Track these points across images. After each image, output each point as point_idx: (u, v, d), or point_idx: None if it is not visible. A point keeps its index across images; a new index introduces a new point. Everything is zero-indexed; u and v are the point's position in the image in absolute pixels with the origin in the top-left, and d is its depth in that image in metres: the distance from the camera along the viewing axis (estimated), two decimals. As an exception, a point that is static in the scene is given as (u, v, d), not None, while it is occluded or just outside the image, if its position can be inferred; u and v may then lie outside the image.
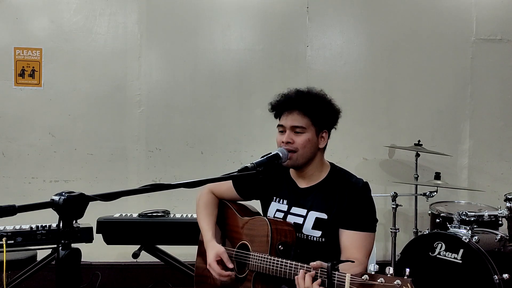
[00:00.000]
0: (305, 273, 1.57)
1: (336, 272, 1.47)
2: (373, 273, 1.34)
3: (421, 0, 3.96)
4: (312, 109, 1.88)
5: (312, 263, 1.57)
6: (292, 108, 1.90)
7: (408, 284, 1.27)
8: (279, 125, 1.94)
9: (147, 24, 3.83)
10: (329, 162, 2.02)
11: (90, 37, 3.79)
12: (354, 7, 3.95)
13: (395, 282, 1.29)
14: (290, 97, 1.94)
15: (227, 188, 2.16)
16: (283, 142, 1.89)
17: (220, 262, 1.92)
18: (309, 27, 3.90)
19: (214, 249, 1.95)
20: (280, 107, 1.95)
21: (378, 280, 1.31)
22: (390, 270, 1.31)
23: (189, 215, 3.17)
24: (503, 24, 3.96)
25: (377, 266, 1.36)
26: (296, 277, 1.60)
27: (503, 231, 2.94)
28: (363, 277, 1.35)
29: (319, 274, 1.53)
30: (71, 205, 1.19)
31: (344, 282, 1.40)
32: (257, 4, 3.89)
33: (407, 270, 1.30)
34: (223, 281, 1.94)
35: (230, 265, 1.89)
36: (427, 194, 3.53)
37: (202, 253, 2.19)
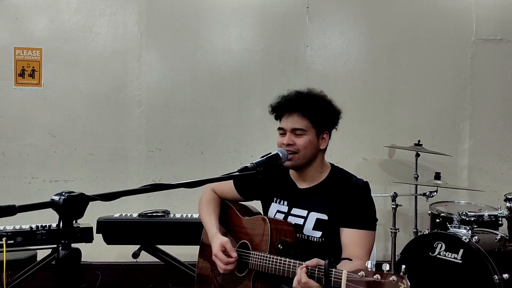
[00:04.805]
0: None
1: (333, 269, 1.47)
2: (369, 269, 1.34)
3: (421, 0, 3.97)
4: (312, 111, 1.89)
5: (308, 262, 1.57)
6: (292, 110, 1.91)
7: (404, 280, 1.27)
8: (279, 128, 1.95)
9: (147, 24, 3.83)
10: (330, 163, 2.02)
11: (90, 37, 3.79)
12: (354, 7, 3.95)
13: (390, 278, 1.29)
14: (290, 99, 1.94)
15: (228, 188, 2.17)
16: (284, 144, 1.89)
17: (224, 252, 1.91)
18: (309, 27, 3.90)
19: (218, 240, 1.95)
20: (280, 109, 1.95)
21: (374, 277, 1.32)
22: (386, 267, 1.32)
23: (189, 215, 3.17)
24: (503, 24, 3.96)
25: (374, 263, 1.37)
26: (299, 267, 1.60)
27: (503, 231, 2.95)
28: (359, 274, 1.36)
29: (316, 271, 1.53)
30: (71, 205, 1.19)
31: (341, 279, 1.41)
32: (257, 4, 3.89)
33: (403, 266, 1.31)
34: (226, 271, 1.91)
35: (234, 254, 1.88)
36: (427, 194, 3.53)
37: (204, 251, 2.19)
